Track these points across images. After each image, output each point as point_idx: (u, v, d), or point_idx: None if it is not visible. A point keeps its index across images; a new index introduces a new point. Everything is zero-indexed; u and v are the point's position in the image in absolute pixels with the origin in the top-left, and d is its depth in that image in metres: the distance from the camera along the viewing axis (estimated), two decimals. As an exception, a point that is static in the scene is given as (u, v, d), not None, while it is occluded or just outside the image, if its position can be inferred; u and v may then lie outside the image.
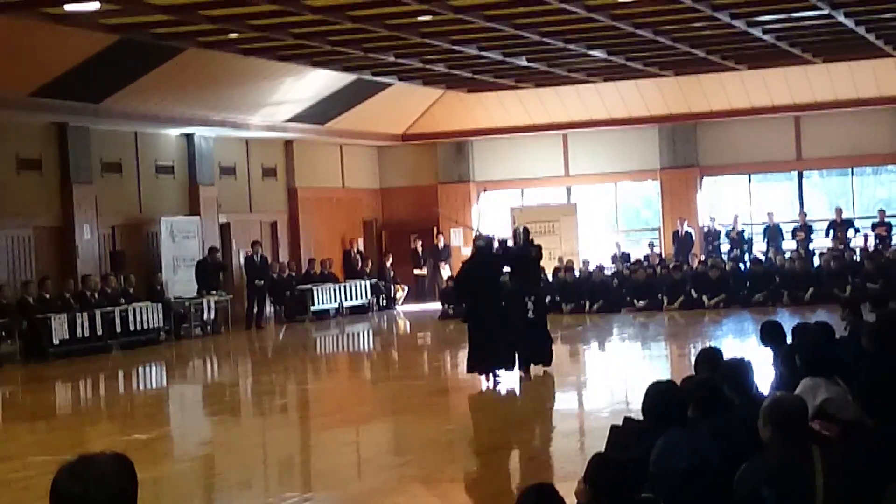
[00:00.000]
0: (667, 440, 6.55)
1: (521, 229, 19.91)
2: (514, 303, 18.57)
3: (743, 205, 35.48)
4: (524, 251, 19.30)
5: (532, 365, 18.59)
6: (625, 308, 30.64)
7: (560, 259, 33.13)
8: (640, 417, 7.27)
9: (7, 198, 25.81)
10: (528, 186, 37.22)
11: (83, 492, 3.86)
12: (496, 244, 20.00)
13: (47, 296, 25.57)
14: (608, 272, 32.16)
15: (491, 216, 36.62)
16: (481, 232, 21.38)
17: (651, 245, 34.39)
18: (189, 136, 30.59)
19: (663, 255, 33.78)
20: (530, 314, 18.49)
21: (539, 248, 19.92)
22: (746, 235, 34.01)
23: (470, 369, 18.31)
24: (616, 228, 36.69)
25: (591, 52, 28.30)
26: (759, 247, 33.50)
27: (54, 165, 26.94)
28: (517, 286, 18.95)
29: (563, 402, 17.63)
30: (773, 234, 33.33)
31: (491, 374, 18.15)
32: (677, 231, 34.18)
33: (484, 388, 18.02)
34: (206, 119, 29.50)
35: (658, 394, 7.14)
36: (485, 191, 36.63)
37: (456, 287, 22.12)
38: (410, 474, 12.32)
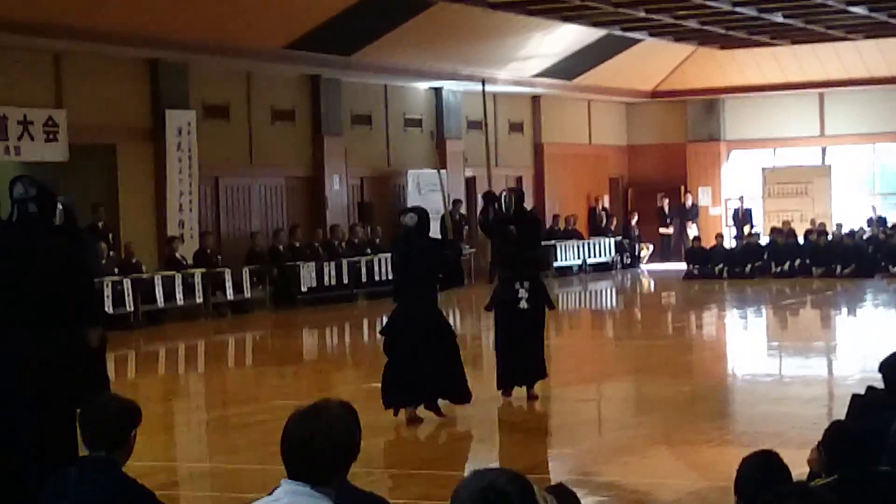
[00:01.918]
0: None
1: (510, 195, 14.44)
2: (506, 294, 14.08)
3: None
4: (521, 223, 14.20)
5: (515, 387, 14.14)
6: (878, 273, 29.66)
7: (812, 221, 32.31)
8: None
9: (262, 148, 26.49)
10: (781, 146, 36.34)
11: (310, 438, 3.92)
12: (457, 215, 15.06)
13: (297, 244, 26.19)
14: (863, 236, 31.22)
15: (740, 176, 35.91)
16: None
17: (909, 209, 33.22)
18: (437, 90, 30.82)
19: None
20: (523, 303, 13.86)
21: (536, 219, 15.54)
22: None
23: (387, 403, 12.64)
24: (872, 191, 35.55)
25: (851, 9, 27.36)
26: None
27: (307, 117, 27.51)
28: (509, 272, 14.21)
29: (811, 367, 17.17)
30: None
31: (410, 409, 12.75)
32: (937, 195, 32.89)
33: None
34: (455, 73, 29.65)
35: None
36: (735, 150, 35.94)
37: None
38: (645, 434, 12.17)
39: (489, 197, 14.84)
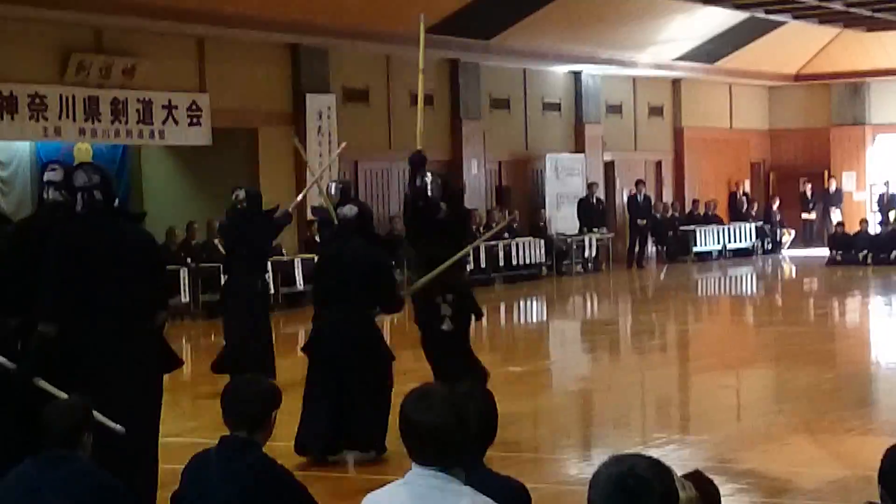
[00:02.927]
0: None
1: (434, 179, 11.59)
2: (428, 314, 11.53)
3: None
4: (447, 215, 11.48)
5: None
6: None
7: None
8: None
9: (401, 132, 26.60)
10: (929, 131, 35.54)
11: (436, 420, 3.92)
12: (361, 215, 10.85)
13: (435, 228, 26.26)
14: None
15: (885, 161, 35.20)
16: (333, 189, 14.02)
17: None
18: (576, 74, 30.69)
19: None
20: (445, 325, 11.34)
21: (465, 210, 12.65)
22: None
23: (298, 447, 10.20)
24: None
25: None
26: None
27: (445, 101, 27.58)
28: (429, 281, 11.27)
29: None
30: None
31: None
32: None
33: None
34: (594, 56, 29.48)
35: None
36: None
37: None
38: (787, 422, 12.02)
39: (418, 161, 11.80)
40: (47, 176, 8.25)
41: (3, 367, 7.64)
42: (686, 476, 3.43)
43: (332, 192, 13.95)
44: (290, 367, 13.56)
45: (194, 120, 22.33)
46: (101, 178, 7.87)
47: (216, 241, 20.18)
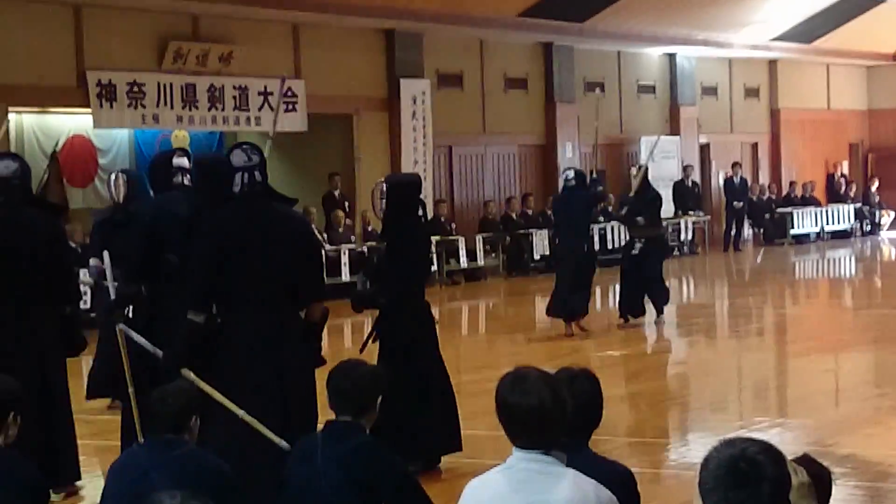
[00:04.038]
0: None
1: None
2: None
3: None
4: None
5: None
6: None
7: None
8: None
9: (495, 116, 26.63)
10: None
11: (537, 404, 3.93)
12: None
13: (529, 212, 26.28)
14: None
15: None
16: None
17: None
18: (671, 56, 30.48)
19: None
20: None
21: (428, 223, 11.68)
22: None
23: None
24: None
25: None
26: None
27: (539, 84, 27.53)
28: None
29: None
30: None
31: None
32: None
33: None
34: (689, 38, 29.26)
35: None
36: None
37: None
38: (888, 406, 11.88)
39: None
40: (176, 162, 8.25)
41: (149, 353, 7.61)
42: (796, 460, 3.42)
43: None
44: None
45: (290, 106, 22.48)
46: (260, 159, 7.46)
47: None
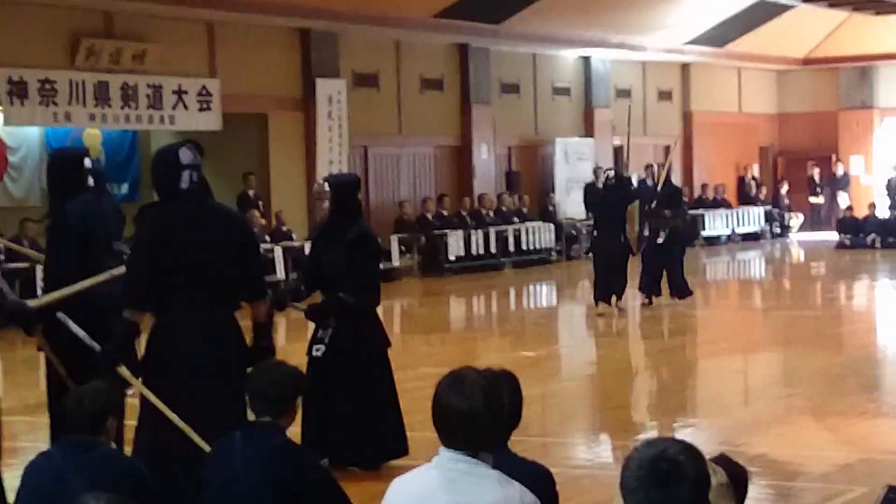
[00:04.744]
0: None
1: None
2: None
3: None
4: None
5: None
6: None
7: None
8: None
9: (411, 116, 26.65)
10: (936, 114, 35.50)
11: (468, 406, 3.94)
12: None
13: (445, 213, 26.34)
14: None
15: (894, 144, 35.14)
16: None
17: None
18: (586, 59, 30.68)
19: None
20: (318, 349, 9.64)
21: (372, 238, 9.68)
22: None
23: None
24: None
25: None
26: None
27: (455, 85, 27.59)
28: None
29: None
30: None
31: None
32: None
33: None
34: (604, 41, 29.48)
35: None
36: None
37: None
38: (798, 406, 12.06)
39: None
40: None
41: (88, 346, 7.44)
42: (714, 460, 3.47)
43: None
44: None
45: (204, 105, 22.35)
46: (201, 157, 7.37)
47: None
